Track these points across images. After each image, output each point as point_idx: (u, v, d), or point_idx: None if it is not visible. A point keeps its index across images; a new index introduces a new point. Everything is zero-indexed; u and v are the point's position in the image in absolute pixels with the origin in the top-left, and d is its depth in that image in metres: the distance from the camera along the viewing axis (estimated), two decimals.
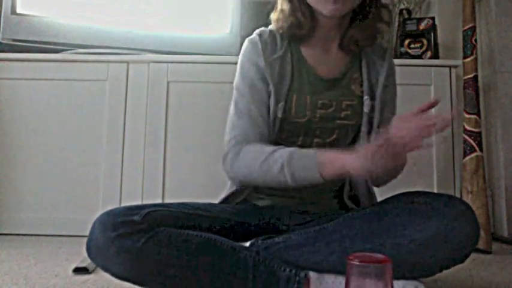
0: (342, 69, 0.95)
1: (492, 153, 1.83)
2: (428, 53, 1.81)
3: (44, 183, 1.69)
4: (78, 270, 1.10)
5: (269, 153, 0.83)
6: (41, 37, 1.73)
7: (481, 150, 1.57)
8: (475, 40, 1.66)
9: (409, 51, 1.83)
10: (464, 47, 1.68)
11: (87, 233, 0.77)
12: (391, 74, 0.99)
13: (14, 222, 1.67)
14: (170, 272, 0.75)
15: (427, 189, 0.92)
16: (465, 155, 1.59)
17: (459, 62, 1.74)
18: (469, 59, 1.65)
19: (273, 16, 0.94)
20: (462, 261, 0.79)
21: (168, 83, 1.75)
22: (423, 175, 1.68)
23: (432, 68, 1.76)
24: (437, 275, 0.84)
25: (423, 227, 0.75)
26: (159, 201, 1.67)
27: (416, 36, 1.83)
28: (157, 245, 0.74)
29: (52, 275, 1.09)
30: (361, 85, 0.95)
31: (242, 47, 0.95)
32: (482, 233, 1.45)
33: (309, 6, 0.88)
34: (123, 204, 1.63)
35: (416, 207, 0.79)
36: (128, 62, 1.76)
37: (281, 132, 0.92)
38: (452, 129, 1.71)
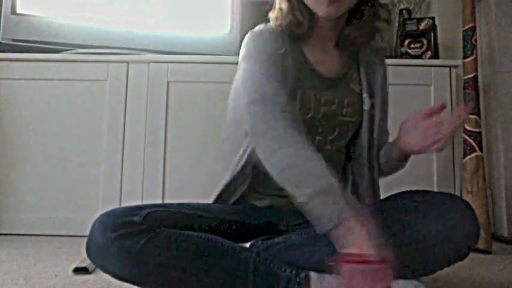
0: (341, 69, 0.96)
1: (492, 153, 1.83)
2: (428, 53, 1.81)
3: (44, 183, 1.69)
4: (78, 270, 1.10)
5: (305, 170, 0.73)
6: (41, 37, 1.73)
7: (481, 150, 1.57)
8: (475, 40, 1.66)
9: (409, 51, 1.83)
10: (464, 47, 1.68)
11: (87, 233, 0.77)
12: (386, 72, 1.01)
13: (14, 222, 1.67)
14: (170, 273, 0.75)
15: (427, 189, 0.92)
16: (465, 155, 1.59)
17: (459, 62, 1.74)
18: (469, 59, 1.65)
19: (272, 14, 0.94)
20: (462, 259, 0.79)
21: (168, 83, 1.75)
22: (423, 175, 1.69)
23: (432, 68, 1.76)
24: (437, 275, 0.85)
25: (424, 225, 0.75)
26: (159, 201, 1.67)
27: (416, 36, 1.83)
28: (158, 245, 0.74)
29: (52, 275, 1.09)
30: (360, 84, 0.96)
31: (247, 38, 0.92)
32: (482, 233, 1.45)
33: (307, 5, 0.88)
34: (123, 204, 1.63)
35: (417, 205, 0.79)
36: (128, 62, 1.76)
37: None
38: None
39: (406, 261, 0.75)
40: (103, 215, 0.77)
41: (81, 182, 1.69)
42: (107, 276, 0.77)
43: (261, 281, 0.78)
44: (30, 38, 1.73)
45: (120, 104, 1.73)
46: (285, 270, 0.78)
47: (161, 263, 0.74)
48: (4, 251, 1.36)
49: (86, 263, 1.12)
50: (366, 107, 0.94)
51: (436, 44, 1.83)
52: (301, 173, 0.73)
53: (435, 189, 1.66)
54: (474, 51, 1.65)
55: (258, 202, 0.97)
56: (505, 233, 1.70)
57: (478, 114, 1.60)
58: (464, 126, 1.61)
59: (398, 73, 1.73)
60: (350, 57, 0.97)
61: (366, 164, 0.96)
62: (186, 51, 1.79)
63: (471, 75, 1.63)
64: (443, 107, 0.86)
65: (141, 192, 1.69)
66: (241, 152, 0.92)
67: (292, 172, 0.74)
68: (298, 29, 0.91)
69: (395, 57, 1.87)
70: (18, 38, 1.72)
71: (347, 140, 0.97)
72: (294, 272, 0.78)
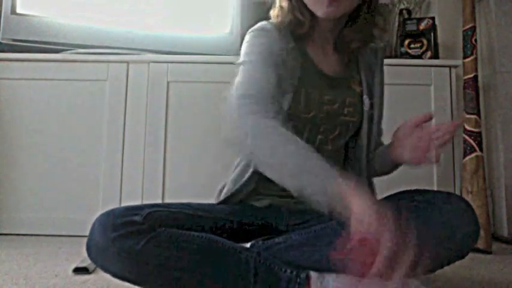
0: (342, 69, 0.96)
1: (492, 153, 1.83)
2: (428, 53, 1.81)
3: (44, 183, 1.69)
4: (78, 270, 1.10)
5: (294, 149, 0.72)
6: (41, 37, 1.73)
7: (481, 150, 1.57)
8: (475, 40, 1.66)
9: (409, 51, 1.83)
10: (464, 47, 1.68)
11: (87, 233, 0.76)
12: (382, 74, 1.02)
13: (14, 222, 1.67)
14: (171, 273, 0.75)
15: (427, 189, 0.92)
16: (465, 155, 1.59)
17: (459, 62, 1.74)
18: (469, 59, 1.65)
19: (273, 12, 0.94)
20: (462, 257, 0.80)
21: (168, 83, 1.75)
22: (423, 175, 1.69)
23: (432, 68, 1.76)
24: (437, 275, 0.85)
25: (423, 225, 0.75)
26: (159, 201, 1.67)
27: (416, 36, 1.83)
28: (158, 245, 0.74)
29: (52, 275, 1.09)
30: (360, 84, 0.97)
31: (250, 34, 0.92)
32: (482, 232, 1.45)
33: (307, 5, 0.88)
34: (123, 204, 1.63)
35: (416, 205, 0.79)
36: (128, 62, 1.76)
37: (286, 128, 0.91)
38: None
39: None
40: (103, 215, 0.77)
41: (81, 182, 1.69)
42: (107, 276, 0.77)
43: (262, 281, 0.78)
44: (30, 38, 1.73)
45: (120, 104, 1.73)
46: (285, 271, 0.78)
47: (161, 263, 0.74)
48: (4, 251, 1.36)
49: (86, 263, 1.12)
50: (366, 107, 0.95)
51: (436, 44, 1.83)
52: (303, 168, 0.71)
53: (435, 189, 1.67)
54: (474, 51, 1.65)
55: (257, 202, 0.97)
56: (505, 233, 1.70)
57: (478, 114, 1.60)
58: (464, 126, 1.61)
59: (398, 73, 1.73)
60: (350, 58, 0.97)
61: (364, 163, 0.96)
62: (186, 51, 1.79)
63: (471, 75, 1.63)
64: (430, 117, 0.86)
65: (141, 192, 1.69)
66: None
67: (293, 170, 0.71)
68: (300, 29, 0.91)
69: (395, 57, 1.87)
70: (18, 38, 1.72)
71: (346, 140, 0.98)
72: (294, 272, 0.78)
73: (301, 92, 0.89)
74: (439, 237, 0.74)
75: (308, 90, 0.90)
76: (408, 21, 1.86)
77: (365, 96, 0.95)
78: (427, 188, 0.91)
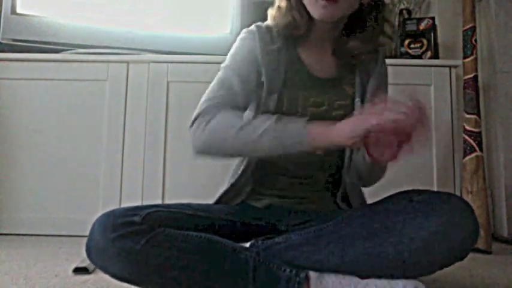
0: (336, 71, 0.95)
1: (492, 153, 1.83)
2: (428, 53, 1.81)
3: (44, 183, 1.69)
4: (78, 270, 1.10)
5: (250, 119, 0.81)
6: (41, 37, 1.73)
7: (481, 150, 1.57)
8: (475, 40, 1.66)
9: (409, 51, 1.83)
10: (464, 47, 1.68)
11: (87, 233, 0.77)
12: (383, 75, 0.99)
13: (14, 222, 1.67)
14: (170, 273, 0.75)
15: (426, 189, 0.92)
16: (465, 155, 1.59)
17: (459, 62, 1.74)
18: (469, 59, 1.65)
19: (271, 12, 0.94)
20: (462, 258, 0.79)
21: (168, 83, 1.75)
22: (423, 175, 1.69)
23: (432, 68, 1.76)
24: (437, 275, 0.85)
25: (422, 225, 0.75)
26: (159, 201, 1.67)
27: (416, 36, 1.83)
28: (158, 246, 0.74)
29: (52, 275, 1.09)
30: (354, 86, 0.95)
31: (239, 36, 0.95)
32: (482, 233, 1.45)
33: (305, 6, 0.88)
34: (123, 204, 1.64)
35: (415, 205, 0.79)
36: (128, 62, 1.76)
37: None
38: (452, 129, 1.72)
39: (405, 262, 0.75)
40: (103, 216, 0.77)
41: (81, 182, 1.69)
42: (107, 276, 0.77)
43: (261, 280, 0.78)
44: (30, 38, 1.73)
45: (120, 104, 1.73)
46: (284, 270, 0.78)
47: (161, 263, 0.74)
48: (4, 251, 1.36)
49: (86, 263, 1.12)
50: (357, 111, 0.93)
51: (436, 44, 1.83)
52: (245, 126, 0.79)
53: (435, 189, 1.67)
54: (474, 51, 1.65)
55: (257, 203, 0.97)
56: (505, 233, 1.70)
57: (478, 114, 1.60)
58: (464, 126, 1.61)
59: (398, 73, 1.72)
60: (346, 60, 0.95)
61: (348, 170, 0.95)
62: (186, 51, 1.79)
63: (471, 75, 1.63)
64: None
65: (141, 192, 1.69)
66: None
67: (235, 133, 0.79)
68: (295, 30, 0.91)
69: (395, 57, 1.87)
70: (18, 38, 1.72)
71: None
72: (293, 271, 0.78)
73: (284, 94, 0.89)
74: (438, 238, 0.74)
75: (292, 92, 0.90)
76: (408, 21, 1.86)
77: (357, 100, 0.93)
78: (427, 188, 0.91)
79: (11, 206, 1.68)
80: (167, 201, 1.67)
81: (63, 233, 1.65)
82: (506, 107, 1.79)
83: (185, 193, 1.65)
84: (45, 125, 1.72)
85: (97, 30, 1.77)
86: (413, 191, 0.85)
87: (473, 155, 1.57)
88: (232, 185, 0.95)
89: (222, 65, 0.95)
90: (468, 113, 1.61)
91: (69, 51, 1.77)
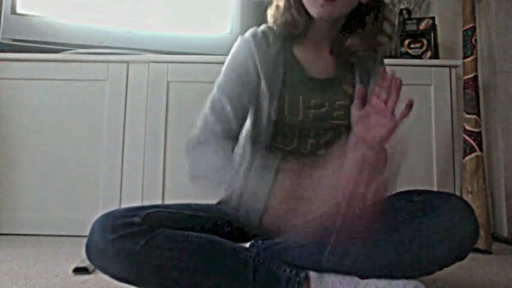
0: (334, 70, 0.95)
1: (492, 153, 1.83)
2: (428, 53, 1.81)
3: (44, 183, 1.69)
4: (78, 270, 1.10)
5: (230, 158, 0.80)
6: (41, 37, 1.73)
7: (481, 150, 1.57)
8: (475, 40, 1.66)
9: (409, 51, 1.83)
10: (464, 47, 1.68)
11: (87, 233, 0.77)
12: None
13: (14, 222, 1.67)
14: (170, 274, 0.75)
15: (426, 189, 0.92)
16: (465, 155, 1.59)
17: (459, 62, 1.74)
18: (469, 59, 1.65)
19: (269, 12, 0.94)
20: (462, 258, 0.79)
21: (168, 83, 1.75)
22: (423, 175, 1.69)
23: (432, 68, 1.76)
24: (437, 275, 0.85)
25: (423, 225, 0.75)
26: (159, 201, 1.67)
27: (416, 36, 1.83)
28: (157, 246, 0.74)
29: (52, 275, 1.09)
30: (353, 86, 0.95)
31: (234, 45, 0.95)
32: (482, 233, 1.45)
33: (303, 4, 0.88)
34: (123, 205, 1.64)
35: (415, 205, 0.79)
36: (128, 62, 1.76)
37: (275, 135, 0.91)
38: (452, 129, 1.72)
39: (406, 262, 0.75)
40: (102, 217, 0.77)
41: (81, 182, 1.69)
42: (107, 277, 0.77)
43: (261, 281, 0.78)
44: (30, 38, 1.73)
45: (120, 104, 1.73)
46: (284, 270, 0.78)
47: (161, 263, 0.74)
48: (4, 251, 1.36)
49: (86, 263, 1.12)
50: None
51: (436, 44, 1.83)
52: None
53: (435, 189, 1.67)
54: (474, 51, 1.65)
55: None
56: (505, 233, 1.70)
57: (478, 114, 1.60)
58: (464, 126, 1.61)
59: (399, 73, 1.71)
60: (344, 59, 0.95)
61: None
62: (186, 51, 1.79)
63: (471, 75, 1.63)
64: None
65: (141, 193, 1.69)
66: (240, 153, 0.92)
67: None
68: (294, 29, 0.90)
69: (395, 57, 1.87)
70: (18, 38, 1.72)
71: (341, 143, 0.96)
72: (293, 272, 0.78)
73: (284, 99, 0.89)
74: (438, 238, 0.74)
75: (292, 96, 0.90)
76: (408, 21, 1.86)
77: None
78: (427, 188, 0.91)
79: (11, 206, 1.68)
80: (167, 202, 1.67)
81: (63, 233, 1.65)
82: (506, 107, 1.79)
83: (185, 193, 1.64)
84: (45, 125, 1.72)
85: (97, 30, 1.77)
86: (413, 191, 0.85)
87: (473, 155, 1.57)
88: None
89: (217, 81, 0.94)
90: (468, 113, 1.61)
91: (69, 51, 1.77)
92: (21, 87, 1.74)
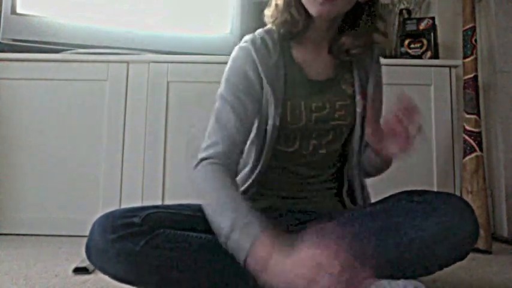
0: (333, 70, 0.95)
1: (492, 153, 1.83)
2: (428, 53, 1.81)
3: (44, 183, 1.69)
4: (78, 270, 1.10)
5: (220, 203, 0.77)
6: (41, 37, 1.73)
7: (481, 150, 1.57)
8: (475, 40, 1.66)
9: (409, 51, 1.83)
10: (464, 47, 1.68)
11: (87, 233, 0.76)
12: (379, 72, 0.99)
13: (14, 222, 1.67)
14: (170, 274, 0.75)
15: (426, 189, 0.92)
16: (465, 155, 1.59)
17: (459, 62, 1.74)
18: (469, 59, 1.65)
19: (267, 12, 0.94)
20: (462, 258, 0.79)
21: (168, 83, 1.75)
22: (423, 175, 1.69)
23: (432, 68, 1.76)
24: (437, 275, 0.85)
25: (423, 225, 0.75)
26: (159, 201, 1.67)
27: (416, 36, 1.83)
28: (157, 247, 0.74)
29: (52, 275, 1.09)
30: (353, 85, 0.95)
31: (232, 55, 0.93)
32: (482, 233, 1.45)
33: (303, 3, 0.88)
34: (123, 205, 1.64)
35: (416, 205, 0.79)
36: (128, 62, 1.76)
37: (277, 138, 0.91)
38: (452, 129, 1.72)
39: (406, 262, 0.75)
40: (102, 217, 0.77)
41: (81, 182, 1.69)
42: (107, 277, 0.77)
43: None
44: (30, 38, 1.73)
45: (120, 104, 1.73)
46: None
47: (161, 264, 0.74)
48: (4, 251, 1.36)
49: (86, 263, 1.12)
50: (359, 109, 0.93)
51: (436, 44, 1.83)
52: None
53: (435, 189, 1.67)
54: (474, 51, 1.65)
55: (257, 204, 0.96)
56: (505, 233, 1.70)
57: (478, 114, 1.60)
58: (464, 126, 1.61)
59: (399, 73, 1.73)
60: (342, 58, 0.95)
61: (357, 166, 0.96)
62: (186, 51, 1.79)
63: (471, 75, 1.63)
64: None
65: (141, 193, 1.69)
66: (244, 155, 0.92)
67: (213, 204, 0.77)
68: (293, 28, 0.90)
69: (395, 57, 1.87)
70: (18, 38, 1.72)
71: (342, 142, 0.97)
72: None
73: (287, 105, 0.89)
74: (438, 238, 0.74)
75: (294, 101, 0.90)
76: (408, 21, 1.86)
77: (358, 98, 0.93)
78: (427, 188, 0.91)
79: (11, 206, 1.68)
80: (167, 202, 1.67)
81: (63, 233, 1.65)
82: (506, 107, 1.79)
83: (185, 193, 1.64)
84: (45, 125, 1.72)
85: (97, 30, 1.77)
86: (413, 191, 0.85)
87: (473, 155, 1.57)
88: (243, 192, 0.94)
89: (218, 92, 0.93)
90: (468, 113, 1.61)
91: (69, 51, 1.77)
92: (21, 87, 1.74)
